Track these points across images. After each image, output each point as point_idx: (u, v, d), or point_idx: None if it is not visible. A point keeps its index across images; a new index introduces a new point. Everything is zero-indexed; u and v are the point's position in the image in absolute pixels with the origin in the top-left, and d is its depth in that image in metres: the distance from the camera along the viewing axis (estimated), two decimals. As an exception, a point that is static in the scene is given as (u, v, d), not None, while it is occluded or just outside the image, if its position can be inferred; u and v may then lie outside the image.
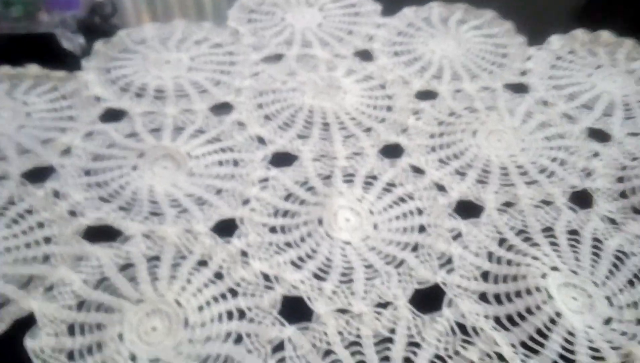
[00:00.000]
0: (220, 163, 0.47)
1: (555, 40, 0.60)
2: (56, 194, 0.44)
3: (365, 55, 0.59)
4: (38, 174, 0.46)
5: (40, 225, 0.42)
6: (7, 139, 0.48)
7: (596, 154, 0.48)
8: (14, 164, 0.46)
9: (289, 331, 0.36)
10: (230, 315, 0.37)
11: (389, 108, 0.53)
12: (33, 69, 0.55)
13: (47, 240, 0.41)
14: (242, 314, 0.37)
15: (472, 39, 0.61)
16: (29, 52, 0.57)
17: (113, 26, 0.64)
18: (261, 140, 0.49)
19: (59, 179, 0.45)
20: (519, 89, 0.55)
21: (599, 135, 0.50)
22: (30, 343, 0.35)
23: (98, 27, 0.63)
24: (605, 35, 0.61)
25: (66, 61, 0.57)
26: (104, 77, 0.55)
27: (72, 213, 0.43)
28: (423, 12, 0.64)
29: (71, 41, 0.57)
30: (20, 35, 0.58)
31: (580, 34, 0.61)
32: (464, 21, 0.63)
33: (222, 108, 0.52)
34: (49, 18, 0.55)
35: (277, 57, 0.58)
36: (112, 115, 0.51)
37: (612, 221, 0.43)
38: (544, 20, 0.65)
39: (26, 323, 0.36)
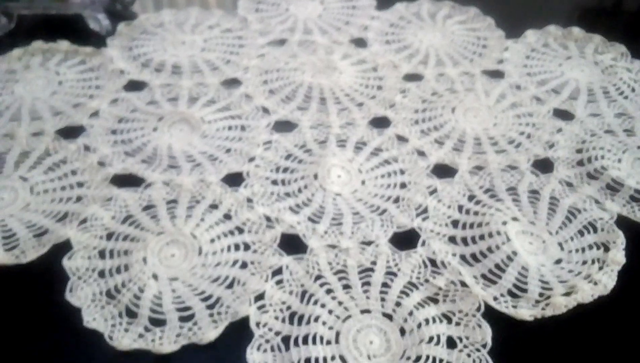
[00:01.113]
0: (230, 128, 0.54)
1: (531, 35, 0.67)
2: (87, 148, 0.51)
3: (360, 42, 0.66)
4: (70, 132, 0.52)
5: (74, 173, 0.49)
6: (42, 103, 0.55)
7: (559, 130, 0.55)
8: (49, 123, 0.53)
9: (287, 260, 0.42)
10: (237, 246, 0.43)
11: (379, 87, 0.59)
12: (63, 44, 0.62)
13: (80, 185, 0.48)
14: (247, 246, 0.43)
15: (456, 32, 0.68)
16: (60, 31, 0.63)
17: (132, 13, 0.71)
18: (266, 110, 0.56)
19: (88, 136, 0.52)
20: (496, 75, 0.62)
21: (564, 115, 0.57)
22: (68, 263, 0.41)
23: (119, 13, 0.70)
24: (576, 31, 0.68)
25: (92, 40, 0.64)
26: (126, 54, 0.62)
27: (101, 164, 0.49)
28: (413, 7, 0.71)
29: (97, 22, 0.64)
30: (51, 16, 0.64)
31: (553, 29, 0.68)
32: (450, 16, 0.70)
33: (231, 83, 0.59)
34: (79, 0, 0.62)
35: (281, 42, 0.65)
36: (134, 86, 0.58)
37: (569, 184, 0.50)
38: (523, 17, 0.71)
39: (63, 248, 0.43)
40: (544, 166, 0.51)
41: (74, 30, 0.64)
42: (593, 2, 0.77)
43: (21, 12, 0.64)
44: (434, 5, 0.72)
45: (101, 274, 0.41)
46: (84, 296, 0.39)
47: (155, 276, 0.41)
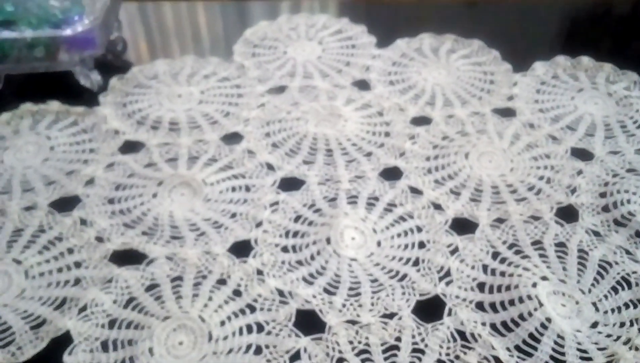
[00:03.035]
0: (234, 189, 0.51)
1: (539, 67, 0.65)
2: (83, 221, 0.48)
3: (363, 85, 0.63)
4: (65, 204, 0.49)
5: (70, 251, 0.45)
6: (33, 172, 0.52)
7: (580, 172, 0.52)
8: (42, 195, 0.50)
9: (304, 341, 0.39)
10: (249, 328, 0.40)
11: (387, 134, 0.57)
12: (54, 105, 0.59)
13: (77, 265, 0.44)
14: (260, 327, 0.40)
15: (461, 67, 0.65)
16: (49, 90, 0.61)
17: (125, 62, 0.68)
18: (270, 166, 0.53)
19: (84, 207, 0.49)
20: (507, 113, 0.59)
21: (582, 154, 0.54)
22: (69, 360, 0.38)
23: (111, 63, 0.67)
24: (586, 60, 0.65)
25: (84, 97, 0.61)
26: (120, 112, 0.59)
27: (99, 239, 0.46)
28: (415, 43, 0.69)
29: (88, 78, 0.62)
30: (40, 74, 0.61)
31: (562, 60, 0.65)
32: (453, 51, 0.68)
33: (232, 138, 0.56)
34: (68, 57, 0.59)
35: (281, 89, 0.62)
36: (131, 147, 0.55)
37: (596, 234, 0.47)
38: (528, 48, 0.69)
39: (63, 341, 0.39)
40: (568, 213, 0.49)
41: (64, 88, 0.61)
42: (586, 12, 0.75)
43: (8, 73, 0.61)
44: (435, 40, 0.69)
45: (105, 369, 0.38)
46: (87, 397, 0.36)
47: (163, 369, 0.38)
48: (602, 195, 0.50)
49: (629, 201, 0.49)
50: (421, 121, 0.58)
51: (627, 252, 0.45)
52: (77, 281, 0.43)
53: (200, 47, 0.71)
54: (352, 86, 0.63)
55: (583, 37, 0.72)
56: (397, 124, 0.57)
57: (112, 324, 0.41)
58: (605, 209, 0.49)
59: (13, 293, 0.42)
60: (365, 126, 0.58)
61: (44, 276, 0.44)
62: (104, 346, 0.39)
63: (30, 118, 0.58)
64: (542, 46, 0.69)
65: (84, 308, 0.41)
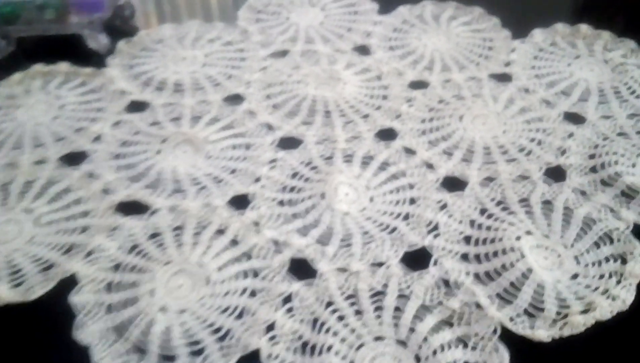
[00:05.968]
0: (234, 147, 0.53)
1: (538, 34, 0.66)
2: (90, 175, 0.50)
3: (363, 50, 0.64)
4: (73, 159, 0.52)
5: (77, 202, 0.48)
6: (44, 128, 0.55)
7: (571, 135, 0.54)
8: (52, 150, 0.52)
9: (296, 286, 0.42)
10: (245, 274, 0.43)
11: (385, 97, 0.58)
12: (63, 66, 0.61)
13: (85, 214, 0.47)
14: (255, 273, 0.43)
15: (461, 34, 0.66)
16: (59, 52, 0.63)
17: (132, 27, 0.70)
18: (270, 127, 0.55)
19: (92, 162, 0.51)
20: (503, 78, 0.60)
21: (575, 118, 0.56)
22: (75, 299, 0.41)
23: (119, 28, 0.69)
24: (584, 28, 0.66)
25: (92, 59, 0.63)
26: (127, 73, 0.61)
27: (105, 191, 0.49)
28: (417, 10, 0.70)
29: (97, 41, 0.63)
30: (50, 37, 0.64)
31: (561, 27, 0.66)
32: (454, 17, 0.69)
33: (234, 99, 0.58)
34: (78, 20, 0.61)
35: (283, 53, 0.64)
36: (136, 106, 0.57)
37: (582, 193, 0.48)
38: (529, 15, 0.70)
39: (70, 283, 0.42)
40: (556, 174, 0.50)
41: (73, 50, 0.63)
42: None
43: (20, 35, 0.63)
44: (437, 7, 0.70)
45: (109, 309, 0.41)
46: (92, 333, 0.39)
47: (163, 309, 0.40)
48: (591, 157, 0.52)
49: (616, 163, 0.50)
50: (419, 85, 0.60)
51: (612, 210, 0.47)
52: (84, 229, 0.46)
53: (206, 14, 0.72)
54: (352, 51, 0.64)
55: (583, 5, 0.73)
56: (395, 88, 0.59)
57: (116, 268, 0.43)
58: (593, 170, 0.50)
59: (24, 239, 0.45)
60: (364, 89, 0.59)
61: (53, 224, 0.46)
62: (109, 287, 0.42)
63: (40, 79, 0.60)
64: (543, 13, 0.69)
65: (90, 253, 0.44)
